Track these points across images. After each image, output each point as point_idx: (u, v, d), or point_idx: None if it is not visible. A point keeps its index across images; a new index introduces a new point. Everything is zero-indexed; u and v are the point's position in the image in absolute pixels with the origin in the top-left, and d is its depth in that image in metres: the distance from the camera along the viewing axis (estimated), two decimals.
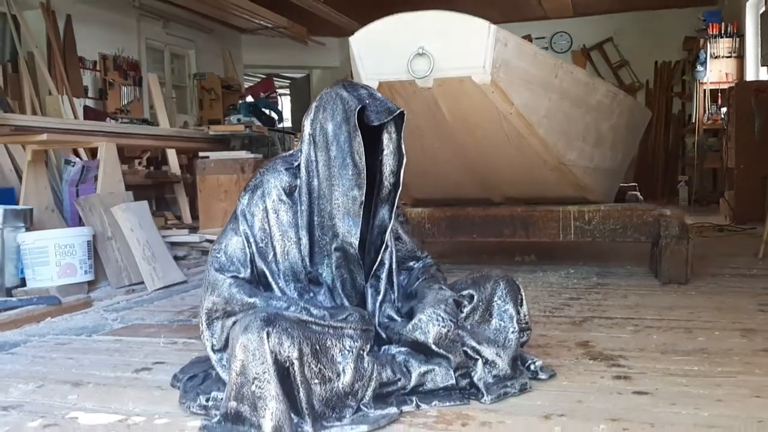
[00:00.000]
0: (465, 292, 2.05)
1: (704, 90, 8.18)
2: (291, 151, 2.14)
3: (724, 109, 7.73)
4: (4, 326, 2.87)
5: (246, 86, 10.16)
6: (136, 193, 7.41)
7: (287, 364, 1.65)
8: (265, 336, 1.63)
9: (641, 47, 9.84)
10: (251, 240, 1.99)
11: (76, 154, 7.03)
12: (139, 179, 7.62)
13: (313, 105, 2.07)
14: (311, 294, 2.03)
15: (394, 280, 2.13)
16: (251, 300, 1.89)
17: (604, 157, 3.67)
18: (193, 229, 5.03)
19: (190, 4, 8.65)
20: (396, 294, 2.13)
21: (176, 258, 4.22)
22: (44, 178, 4.01)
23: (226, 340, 1.92)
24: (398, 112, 1.99)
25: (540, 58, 2.72)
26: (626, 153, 4.30)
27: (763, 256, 4.31)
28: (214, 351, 1.96)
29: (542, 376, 2.06)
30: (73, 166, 6.72)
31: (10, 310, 3.00)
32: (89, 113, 7.34)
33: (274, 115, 4.95)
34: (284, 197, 2.02)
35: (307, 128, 2.06)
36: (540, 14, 9.86)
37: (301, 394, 1.67)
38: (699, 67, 8.05)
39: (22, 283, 3.53)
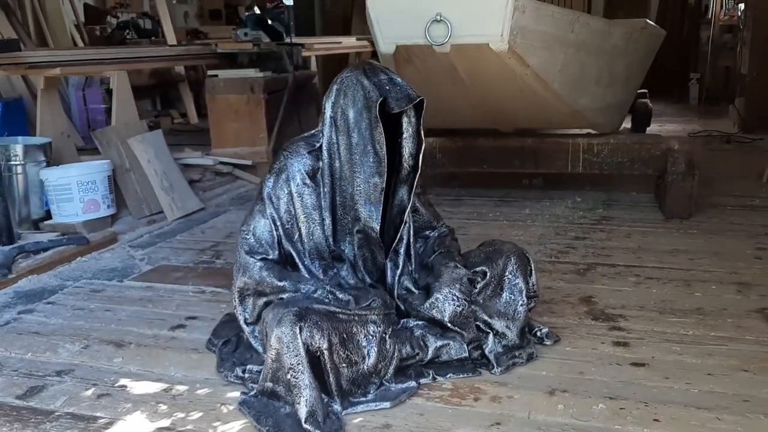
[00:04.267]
0: (478, 269, 2.17)
1: None
2: (312, 131, 2.20)
3: (741, 5, 7.52)
4: (39, 269, 3.03)
5: None
6: (141, 94, 7.39)
7: (318, 353, 1.81)
8: (297, 330, 1.78)
9: None
10: (278, 223, 2.10)
11: None
12: (143, 80, 7.57)
13: (334, 87, 2.11)
14: (335, 270, 2.16)
15: (412, 252, 2.25)
16: (281, 284, 2.03)
17: (616, 94, 3.69)
18: (200, 132, 5.09)
19: None
20: (413, 265, 2.26)
21: (191, 182, 4.32)
22: (58, 104, 4.03)
23: (258, 315, 2.08)
24: (418, 100, 2.04)
25: (557, 16, 2.69)
26: (638, 81, 4.28)
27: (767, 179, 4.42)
28: (246, 324, 2.12)
29: (547, 342, 2.23)
30: None
31: (42, 252, 3.15)
32: (90, 12, 7.16)
33: (282, 28, 4.86)
34: (308, 181, 2.11)
35: (328, 110, 2.11)
36: None
37: (331, 378, 1.85)
38: None
39: (47, 214, 3.66)
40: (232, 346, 2.22)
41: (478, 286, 2.15)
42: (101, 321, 2.53)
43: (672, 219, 3.61)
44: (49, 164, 3.66)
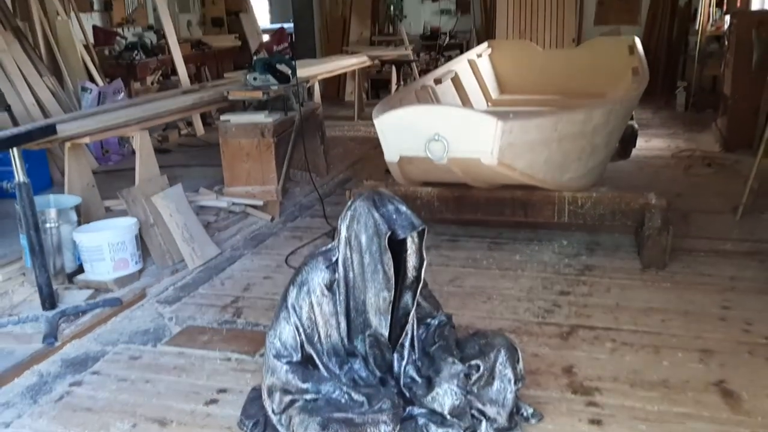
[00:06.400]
0: (473, 362, 2.53)
1: None
2: (329, 246, 2.54)
3: (727, 18, 7.77)
4: (81, 333, 3.39)
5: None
6: None
7: None
8: None
9: None
10: (300, 330, 2.46)
11: (92, 80, 7.24)
12: (150, 95, 7.85)
13: (348, 213, 2.45)
14: (349, 365, 2.53)
15: (416, 344, 2.61)
16: (304, 386, 2.40)
17: (599, 156, 4.00)
18: (208, 148, 5.41)
19: None
20: (417, 354, 2.62)
21: (207, 224, 4.66)
22: (84, 159, 4.33)
23: (284, 409, 2.44)
24: (420, 228, 2.38)
25: (542, 124, 3.00)
26: (620, 133, 4.59)
27: (741, 216, 4.76)
28: (274, 414, 2.49)
29: (533, 421, 2.61)
30: (90, 92, 6.99)
31: (81, 315, 3.51)
32: (99, 34, 7.39)
33: (288, 70, 5.14)
34: (326, 292, 2.46)
35: (343, 232, 2.46)
36: None
37: None
38: None
39: (80, 268, 4.00)
40: (261, 427, 2.58)
41: (473, 378, 2.52)
42: (143, 394, 2.89)
43: (649, 268, 3.97)
44: (80, 222, 4.00)
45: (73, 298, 3.72)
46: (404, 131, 2.78)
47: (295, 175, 5.99)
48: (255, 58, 5.60)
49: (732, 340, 3.17)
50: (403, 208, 2.41)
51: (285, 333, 2.47)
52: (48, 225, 3.85)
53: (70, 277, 3.98)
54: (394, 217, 2.38)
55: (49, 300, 3.47)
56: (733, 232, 4.54)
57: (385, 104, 3.51)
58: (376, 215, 2.37)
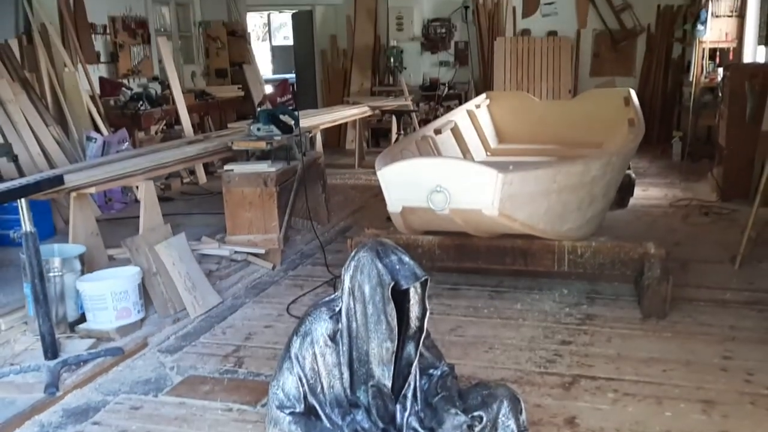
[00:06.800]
0: (476, 414, 2.53)
1: (703, 49, 8.33)
2: (332, 296, 2.57)
3: (720, 70, 7.95)
4: (83, 383, 3.38)
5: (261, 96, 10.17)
6: None
7: None
8: None
9: None
10: (304, 380, 2.47)
11: (97, 130, 7.35)
12: (155, 145, 7.97)
13: (352, 263, 2.48)
14: (352, 415, 2.53)
15: (418, 394, 2.62)
16: None
17: (597, 206, 4.06)
18: (210, 196, 5.46)
19: None
20: (419, 405, 2.62)
21: (209, 273, 4.68)
22: (89, 208, 4.38)
23: None
24: (423, 278, 2.41)
25: (541, 176, 3.07)
26: (618, 183, 4.67)
27: (740, 265, 4.79)
28: None
29: None
30: (95, 142, 7.08)
31: (84, 364, 3.51)
32: (105, 85, 7.55)
33: (291, 121, 5.24)
34: (329, 342, 2.48)
35: (346, 282, 2.48)
36: None
37: None
38: (699, 26, 8.16)
39: (82, 317, 4.01)
40: None
41: (476, 429, 2.51)
42: None
43: (649, 318, 3.98)
44: (83, 271, 4.02)
45: (74, 347, 3.72)
46: (407, 183, 2.85)
47: (297, 223, 6.04)
48: (259, 109, 5.72)
49: (734, 390, 3.17)
50: (406, 259, 2.44)
51: (288, 383, 2.48)
52: (52, 274, 3.88)
53: (72, 326, 3.99)
54: (398, 267, 2.41)
55: (51, 349, 3.47)
56: (732, 282, 4.57)
57: (386, 155, 3.58)
58: (380, 266, 2.40)
